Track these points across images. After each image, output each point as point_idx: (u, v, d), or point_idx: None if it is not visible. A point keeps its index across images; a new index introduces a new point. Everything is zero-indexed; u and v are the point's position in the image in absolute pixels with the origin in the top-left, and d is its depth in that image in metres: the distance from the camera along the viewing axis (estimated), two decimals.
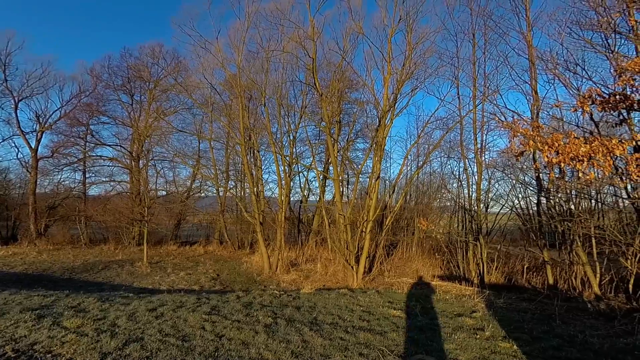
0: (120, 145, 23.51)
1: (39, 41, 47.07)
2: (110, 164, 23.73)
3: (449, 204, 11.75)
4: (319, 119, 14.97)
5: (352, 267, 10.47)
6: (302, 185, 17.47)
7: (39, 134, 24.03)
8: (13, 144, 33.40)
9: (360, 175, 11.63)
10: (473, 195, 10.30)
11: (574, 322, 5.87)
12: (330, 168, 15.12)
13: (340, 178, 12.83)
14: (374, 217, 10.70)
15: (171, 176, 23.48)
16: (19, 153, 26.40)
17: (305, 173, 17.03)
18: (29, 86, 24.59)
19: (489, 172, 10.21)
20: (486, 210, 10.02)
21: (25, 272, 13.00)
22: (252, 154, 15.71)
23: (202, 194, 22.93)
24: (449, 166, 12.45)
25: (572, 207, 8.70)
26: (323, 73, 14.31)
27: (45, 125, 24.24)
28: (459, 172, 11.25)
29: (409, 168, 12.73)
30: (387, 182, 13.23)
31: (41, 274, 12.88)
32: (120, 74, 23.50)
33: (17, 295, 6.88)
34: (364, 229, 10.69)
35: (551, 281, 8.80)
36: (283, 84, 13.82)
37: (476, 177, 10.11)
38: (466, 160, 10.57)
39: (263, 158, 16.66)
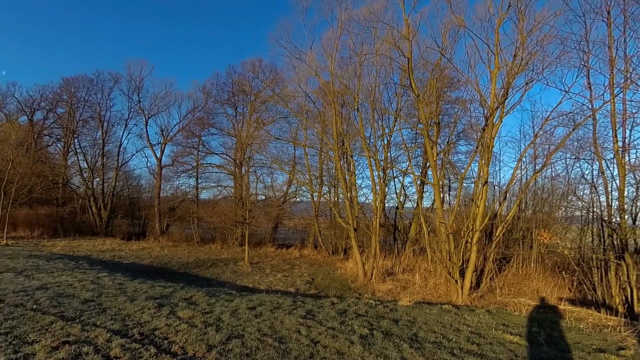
0: (226, 154, 25.82)
1: (162, 66, 54.73)
2: (218, 171, 26.21)
3: (578, 213, 9.73)
4: (415, 121, 14.02)
5: (456, 281, 9.34)
6: (397, 191, 16.61)
7: (162, 146, 27.73)
8: (144, 155, 39.45)
9: (464, 180, 10.36)
10: (614, 204, 8.30)
11: None
12: (429, 172, 13.99)
13: (441, 183, 11.69)
14: (482, 226, 9.38)
15: (269, 181, 24.96)
16: (148, 162, 30.85)
17: (400, 178, 16.15)
18: (156, 105, 28.68)
19: (636, 176, 8.11)
20: (633, 223, 7.96)
21: (151, 265, 14.64)
22: (345, 159, 15.43)
23: (298, 199, 23.68)
24: (578, 169, 10.33)
25: None
26: (419, 73, 13.38)
27: (168, 138, 27.83)
28: (592, 175, 9.20)
29: (523, 172, 10.97)
30: (496, 188, 11.62)
31: (163, 267, 14.36)
32: (226, 89, 25.94)
33: (144, 284, 7.79)
34: (469, 240, 9.45)
35: None
36: (376, 87, 13.28)
37: (617, 181, 8.12)
38: (603, 161, 8.57)
39: (356, 163, 16.29)
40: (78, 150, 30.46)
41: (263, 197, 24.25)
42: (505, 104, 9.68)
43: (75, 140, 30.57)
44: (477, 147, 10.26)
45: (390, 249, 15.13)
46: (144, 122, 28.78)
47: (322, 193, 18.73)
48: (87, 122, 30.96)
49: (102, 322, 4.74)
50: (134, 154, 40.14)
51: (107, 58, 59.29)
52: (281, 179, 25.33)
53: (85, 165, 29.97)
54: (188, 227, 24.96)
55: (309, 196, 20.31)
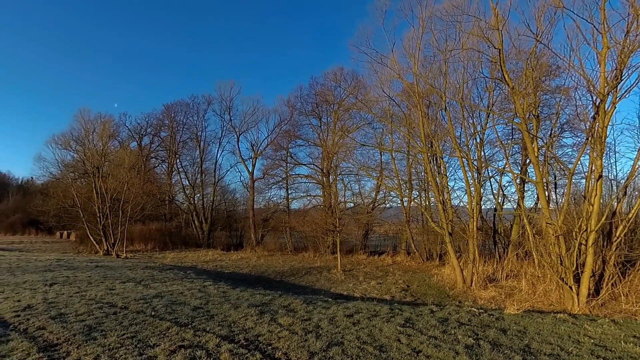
0: (313, 164, 27.68)
1: (250, 84, 60.35)
2: (306, 181, 28.16)
3: None
4: (510, 115, 13.57)
5: (570, 287, 9.01)
6: (494, 191, 16.08)
7: (254, 160, 30.81)
8: (237, 170, 43.82)
9: (573, 175, 9.88)
10: None
11: None
12: (530, 169, 13.41)
13: (545, 180, 11.25)
14: (598, 226, 8.91)
15: (357, 189, 25.97)
16: (241, 176, 34.43)
17: (497, 177, 15.64)
18: (245, 122, 31.99)
19: None
20: None
21: (249, 274, 16.25)
22: (435, 162, 15.58)
23: (387, 205, 24.25)
24: None
25: None
26: (511, 64, 13.00)
27: (258, 152, 30.82)
28: None
29: None
30: (612, 182, 10.73)
31: (260, 275, 15.85)
32: (310, 101, 27.84)
33: (245, 292, 8.51)
34: (583, 242, 9.05)
35: None
36: (464, 84, 13.26)
37: None
38: None
39: (447, 165, 16.26)
40: (180, 170, 35.57)
41: (352, 205, 25.35)
42: (618, 87, 9.12)
43: (177, 161, 35.68)
44: (587, 139, 9.77)
45: (490, 253, 14.72)
46: (236, 139, 32.37)
47: (412, 197, 18.99)
48: (186, 143, 35.96)
49: (211, 328, 5.27)
50: (228, 170, 44.67)
51: (202, 85, 67.82)
52: (369, 186, 26.21)
53: (187, 182, 34.71)
54: (281, 236, 27.22)
55: (399, 201, 20.70)
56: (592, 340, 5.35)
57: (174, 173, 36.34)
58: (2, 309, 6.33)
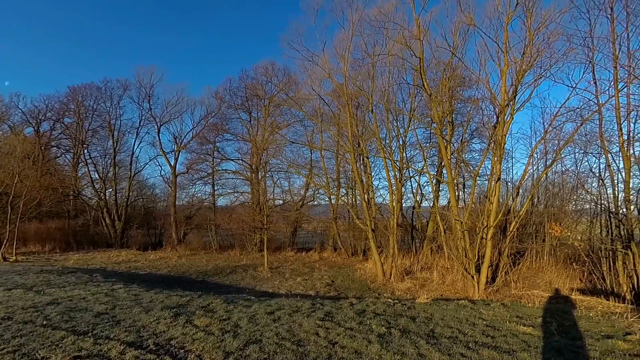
0: (242, 159, 27.52)
1: (173, 73, 57.58)
2: (234, 177, 27.93)
3: (588, 206, 10.76)
4: (429, 120, 15.22)
5: (472, 276, 10.53)
6: (414, 190, 17.89)
7: (176, 153, 29.70)
8: (157, 163, 41.74)
9: (478, 177, 11.56)
10: (620, 196, 9.41)
11: None
12: (444, 171, 15.20)
13: (455, 181, 12.91)
14: (496, 222, 10.59)
15: (286, 186, 26.57)
16: (162, 171, 33.00)
17: (417, 178, 17.44)
18: (168, 112, 30.65)
19: None
20: (639, 213, 9.06)
21: (168, 274, 15.59)
22: (361, 161, 16.76)
23: (316, 202, 25.29)
24: (586, 163, 11.35)
25: None
26: (432, 73, 14.59)
27: (181, 145, 29.77)
28: (599, 169, 10.32)
29: (535, 168, 12.09)
30: (509, 184, 12.75)
31: (180, 276, 15.29)
32: (240, 94, 27.62)
33: (160, 294, 8.22)
34: (484, 236, 10.66)
35: None
36: (390, 88, 14.54)
37: (623, 174, 9.23)
38: (609, 155, 9.70)
39: (373, 164, 17.60)
40: (88, 161, 32.21)
41: (281, 202, 25.90)
42: (516, 100, 10.87)
43: (85, 151, 32.15)
44: (489, 145, 11.47)
45: (409, 248, 16.36)
46: (156, 130, 30.71)
47: (340, 195, 20.16)
48: (96, 131, 32.80)
49: (116, 335, 5.03)
50: (147, 163, 42.32)
51: (116, 67, 62.76)
52: (298, 183, 26.78)
53: (97, 176, 31.69)
54: (206, 234, 26.69)
55: (327, 199, 21.72)
56: (484, 322, 6.21)
57: (80, 165, 32.97)
58: None
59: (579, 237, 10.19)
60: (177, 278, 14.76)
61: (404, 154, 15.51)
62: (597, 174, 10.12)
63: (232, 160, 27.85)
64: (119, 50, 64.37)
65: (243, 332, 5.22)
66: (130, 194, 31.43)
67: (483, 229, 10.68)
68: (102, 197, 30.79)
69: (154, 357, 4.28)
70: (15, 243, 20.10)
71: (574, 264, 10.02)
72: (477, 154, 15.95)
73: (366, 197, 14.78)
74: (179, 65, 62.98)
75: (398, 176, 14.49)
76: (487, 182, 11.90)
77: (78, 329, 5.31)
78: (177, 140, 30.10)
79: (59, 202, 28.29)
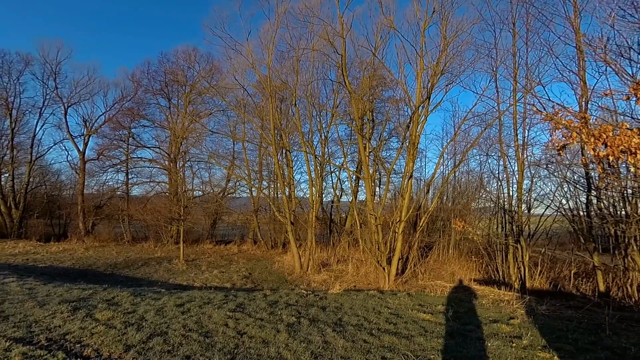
0: (159, 147, 24.82)
1: (84, 49, 50.59)
2: (150, 166, 25.07)
3: (488, 204, 11.23)
4: (350, 118, 14.88)
5: (383, 268, 10.30)
6: (334, 185, 17.47)
7: (86, 138, 25.90)
8: (63, 148, 36.32)
9: (393, 174, 11.42)
10: (514, 195, 9.78)
11: (626, 334, 5.36)
12: (363, 167, 15.02)
13: (373, 178, 12.65)
14: (407, 217, 10.46)
15: (207, 177, 24.49)
16: (69, 156, 28.81)
17: (337, 173, 17.03)
18: (77, 93, 26.59)
19: (532, 171, 9.64)
20: (528, 211, 9.46)
21: (72, 267, 13.90)
22: (283, 154, 15.90)
23: (237, 195, 23.64)
24: (488, 165, 11.90)
25: (628, 207, 8.00)
26: (355, 71, 14.22)
27: (92, 130, 26.03)
28: (498, 170, 10.71)
29: (445, 167, 12.33)
30: (421, 182, 12.89)
31: (87, 269, 13.73)
32: (159, 79, 24.80)
33: (60, 288, 7.47)
34: (396, 230, 10.48)
35: (602, 288, 8.16)
36: (314, 83, 13.87)
37: (517, 175, 9.58)
38: (506, 157, 10.04)
39: (295, 158, 16.82)
40: None
41: (200, 193, 23.86)
42: (430, 102, 10.81)
43: None
44: (403, 143, 11.34)
45: (327, 241, 15.97)
46: (63, 111, 26.43)
47: (262, 188, 19.06)
48: None
49: (2, 331, 4.54)
50: (51, 147, 36.42)
51: (15, 37, 53.17)
52: (219, 174, 25.04)
53: None
54: (117, 225, 23.74)
55: (248, 191, 20.46)
56: (389, 310, 6.24)
57: None
58: None
59: (478, 232, 10.52)
60: (83, 271, 13.27)
61: (326, 149, 14.98)
62: (496, 175, 10.46)
63: (148, 147, 24.98)
64: (17, 18, 54.69)
65: (148, 325, 4.87)
66: (31, 179, 26.94)
67: (395, 224, 10.51)
68: None
69: (45, 352, 3.87)
70: None
71: (474, 256, 10.28)
72: (394, 152, 16.04)
73: (287, 190, 13.95)
74: (90, 41, 55.55)
75: (319, 170, 13.88)
76: (401, 179, 11.81)
77: None
78: (87, 123, 26.28)
79: None
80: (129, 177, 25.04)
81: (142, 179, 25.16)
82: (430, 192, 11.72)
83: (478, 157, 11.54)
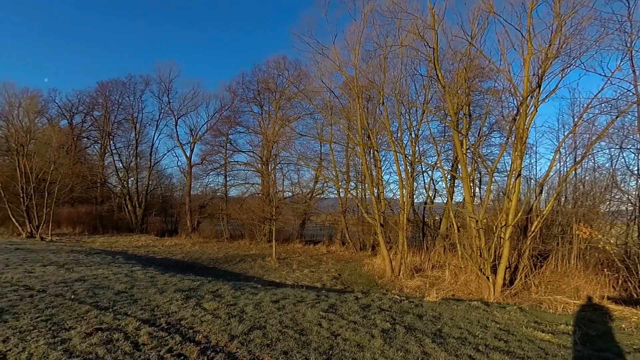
0: (253, 152, 26.28)
1: (190, 67, 56.42)
2: (245, 168, 26.69)
3: (624, 207, 9.10)
4: (443, 114, 13.63)
5: (487, 277, 9.06)
6: (426, 185, 16.20)
7: (192, 145, 28.66)
8: (174, 154, 40.88)
9: (496, 173, 10.03)
10: None
11: None
12: (460, 166, 13.64)
13: (472, 177, 11.34)
14: (515, 221, 9.03)
15: (296, 178, 25.03)
16: (179, 161, 32.14)
17: (429, 172, 15.74)
18: (185, 106, 29.69)
19: None
20: None
21: (182, 260, 15.25)
22: (371, 155, 15.28)
23: (325, 195, 23.65)
24: (623, 160, 9.57)
25: None
26: (447, 64, 13.01)
27: (197, 137, 28.68)
28: (638, 166, 8.61)
29: (562, 164, 10.41)
30: (532, 181, 11.10)
31: (193, 262, 14.93)
32: (252, 88, 26.32)
33: (174, 278, 8.20)
34: (501, 235, 9.13)
35: None
36: (402, 79, 13.02)
37: None
38: None
39: (383, 158, 16.06)
40: (114, 151, 32.18)
41: (290, 194, 24.47)
42: (541, 91, 9.22)
43: (111, 142, 32.25)
44: (508, 138, 9.87)
45: (420, 245, 14.86)
46: (174, 123, 29.88)
47: (349, 189, 18.63)
48: (121, 124, 32.61)
49: (133, 312, 5.03)
50: (165, 154, 41.87)
51: (139, 62, 61.79)
52: (307, 176, 25.44)
53: (121, 165, 31.62)
54: (218, 224, 25.69)
55: (336, 192, 20.26)
56: (498, 325, 5.46)
57: (107, 155, 32.82)
58: None
59: (613, 241, 8.58)
60: (190, 264, 14.49)
61: (416, 148, 13.95)
62: (635, 172, 8.42)
63: (243, 152, 26.75)
64: (142, 47, 63.36)
65: (248, 318, 5.01)
66: (150, 182, 30.88)
67: (501, 228, 9.14)
68: (125, 185, 30.74)
69: (165, 334, 4.19)
70: (50, 225, 21.00)
71: (605, 270, 8.40)
72: (496, 149, 14.11)
73: (375, 191, 13.30)
74: (195, 60, 61.69)
75: (409, 170, 12.95)
76: (506, 178, 10.33)
77: (100, 305, 5.38)
78: (193, 132, 29.13)
79: (88, 188, 28.27)
80: (227, 179, 27.05)
81: (239, 181, 26.96)
82: (543, 192, 10.01)
83: (608, 151, 9.46)
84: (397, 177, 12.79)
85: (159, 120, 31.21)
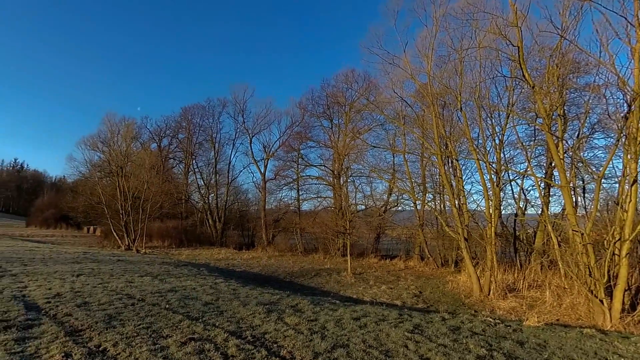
0: (324, 165, 26.74)
1: (262, 87, 60.08)
2: (317, 182, 27.25)
3: None
4: (532, 116, 12.47)
5: (601, 301, 7.95)
6: (516, 195, 14.82)
7: (266, 161, 30.20)
8: (250, 171, 43.49)
9: (603, 179, 8.83)
10: None
11: None
12: (555, 173, 12.28)
13: (572, 185, 10.17)
14: (633, 235, 7.84)
15: (368, 191, 24.79)
16: (254, 177, 33.92)
17: (519, 181, 14.38)
18: (258, 124, 31.49)
19: None
20: None
21: (259, 273, 15.91)
22: (450, 164, 14.55)
23: (400, 208, 22.99)
24: None
25: None
26: (534, 61, 11.98)
27: (270, 154, 30.15)
28: None
29: None
30: None
31: (270, 275, 15.47)
32: (321, 103, 27.06)
33: (254, 291, 8.50)
34: (616, 252, 7.98)
35: None
36: (482, 83, 12.25)
37: None
38: None
39: (464, 167, 15.12)
40: (196, 170, 35.41)
41: (363, 207, 24.28)
42: None
43: (193, 161, 35.53)
44: (618, 140, 8.69)
45: (511, 261, 13.58)
46: (249, 141, 31.90)
47: (426, 201, 17.87)
48: (202, 144, 35.76)
49: (220, 324, 5.26)
50: (241, 171, 44.53)
51: (216, 87, 67.79)
52: (381, 188, 25.07)
53: (202, 182, 34.63)
54: (292, 237, 26.46)
55: (412, 204, 19.56)
56: (622, 359, 4.79)
57: (190, 173, 36.30)
58: (36, 296, 6.63)
59: None
60: (267, 277, 14.99)
61: (502, 155, 12.90)
62: None
63: (315, 166, 27.42)
64: (219, 73, 69.29)
65: (330, 335, 4.98)
66: (228, 198, 33.02)
67: (615, 243, 8.00)
68: (206, 201, 33.37)
69: (252, 347, 4.31)
70: (144, 238, 23.65)
71: None
72: (601, 152, 12.37)
73: (456, 202, 12.58)
74: (267, 80, 65.68)
75: (495, 180, 12.03)
76: (617, 185, 9.07)
77: (191, 315, 5.71)
78: (266, 149, 30.71)
79: (174, 205, 31.13)
80: (300, 193, 27.86)
81: (311, 194, 27.65)
82: None
83: None
84: (481, 187, 11.99)
85: (235, 139, 33.59)
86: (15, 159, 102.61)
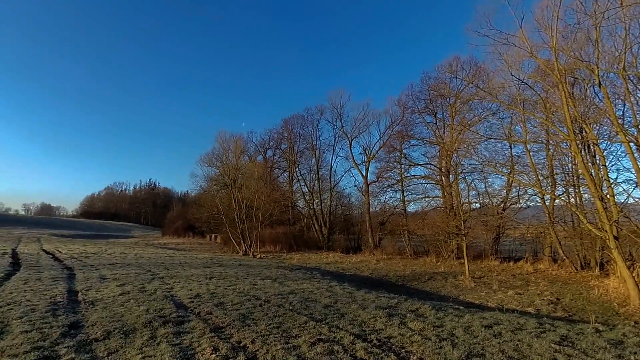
0: (430, 163, 25.68)
1: (359, 90, 60.86)
2: (423, 182, 26.27)
3: None
4: None
5: None
6: None
7: (367, 164, 30.44)
8: (351, 175, 44.45)
9: None
10: None
11: None
12: None
13: None
14: None
15: (483, 187, 22.71)
16: (355, 181, 34.57)
17: None
18: (357, 127, 32.02)
19: None
20: None
21: (370, 276, 16.02)
22: (587, 150, 12.63)
23: (522, 204, 20.41)
24: None
25: None
26: None
27: (370, 156, 30.29)
28: None
29: None
30: None
31: (381, 278, 15.48)
32: (422, 98, 26.05)
33: (370, 294, 8.49)
34: None
35: None
36: (627, 50, 10.39)
37: None
38: None
39: (606, 152, 12.88)
40: (299, 177, 37.60)
41: (478, 205, 22.35)
42: None
43: (296, 169, 37.77)
44: None
45: None
46: (348, 145, 32.60)
47: (557, 194, 15.66)
48: (303, 152, 37.94)
49: (344, 326, 5.38)
50: (342, 175, 46.05)
51: (314, 95, 71.07)
52: (498, 183, 23.03)
53: (306, 189, 36.58)
54: (399, 240, 25.96)
55: (538, 200, 17.35)
56: None
57: (294, 181, 38.64)
58: (181, 296, 7.48)
59: None
60: (379, 280, 15.09)
61: None
62: None
63: (420, 165, 26.41)
64: (316, 81, 72.45)
65: (461, 343, 4.76)
66: (331, 203, 34.09)
67: None
68: (311, 207, 34.99)
69: (379, 351, 4.30)
70: (258, 244, 26.08)
71: None
72: None
73: (600, 194, 10.82)
74: (364, 82, 66.25)
75: None
76: None
77: (314, 316, 5.94)
78: (367, 151, 30.92)
79: (282, 212, 33.68)
80: (405, 194, 27.19)
81: (417, 195, 26.75)
82: None
83: None
84: (632, 175, 10.10)
85: (335, 145, 34.76)
86: (150, 179, 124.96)
